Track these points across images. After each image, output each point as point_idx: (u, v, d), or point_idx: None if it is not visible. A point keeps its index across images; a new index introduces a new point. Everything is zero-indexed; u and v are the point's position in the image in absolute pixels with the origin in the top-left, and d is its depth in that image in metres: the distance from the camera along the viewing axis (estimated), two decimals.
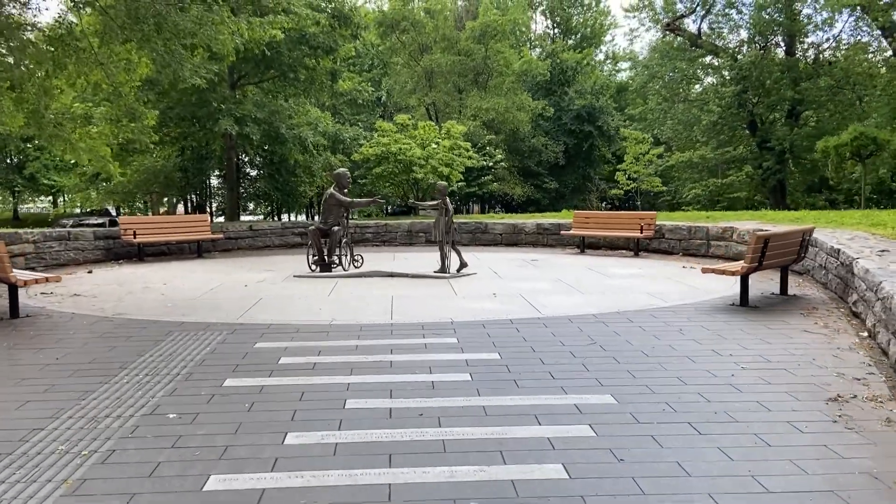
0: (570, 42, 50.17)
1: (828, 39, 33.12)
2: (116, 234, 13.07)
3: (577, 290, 8.63)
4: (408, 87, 37.90)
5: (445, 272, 10.33)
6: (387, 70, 37.44)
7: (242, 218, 38.21)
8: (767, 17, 31.94)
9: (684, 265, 11.36)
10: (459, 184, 21.11)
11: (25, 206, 52.52)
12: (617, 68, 58.20)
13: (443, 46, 35.51)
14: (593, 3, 52.20)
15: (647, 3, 35.90)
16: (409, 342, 5.75)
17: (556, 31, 51.76)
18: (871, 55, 30.86)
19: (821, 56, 33.62)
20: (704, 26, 35.50)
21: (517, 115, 33.66)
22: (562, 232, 14.75)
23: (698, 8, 35.16)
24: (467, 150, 20.42)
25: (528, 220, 16.99)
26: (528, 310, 7.26)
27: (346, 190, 11.15)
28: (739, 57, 33.33)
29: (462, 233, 17.02)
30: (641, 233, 13.32)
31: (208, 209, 30.17)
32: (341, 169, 11.18)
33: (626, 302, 7.70)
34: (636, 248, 13.68)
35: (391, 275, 10.40)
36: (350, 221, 11.51)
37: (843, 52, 31.79)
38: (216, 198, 28.10)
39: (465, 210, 41.98)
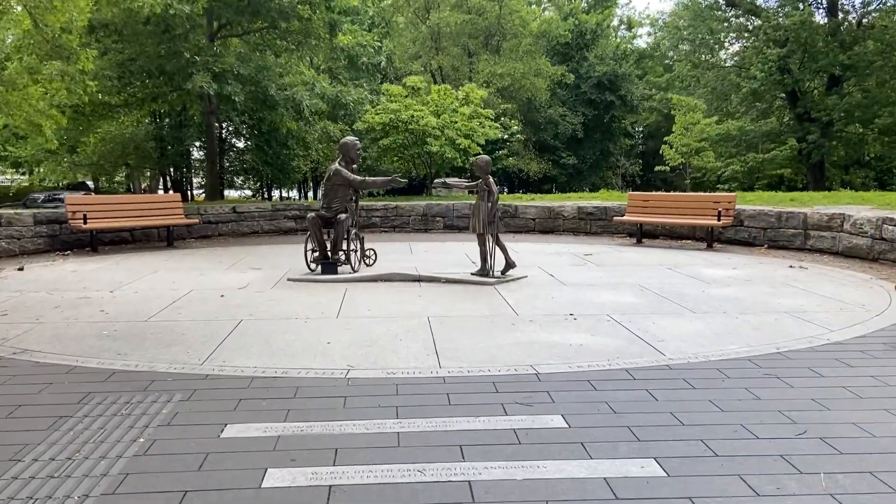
0: (583, 5, 47.27)
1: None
2: (63, 218, 10.74)
3: (684, 308, 6.38)
4: (411, 50, 35.26)
5: (488, 275, 8.07)
6: (389, 31, 34.71)
7: (227, 195, 35.74)
8: None
9: (792, 264, 9.09)
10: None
11: (2, 177, 49.78)
12: (633, 34, 55.31)
13: (452, 3, 32.82)
14: None
15: None
16: (485, 427, 3.51)
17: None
18: None
19: (864, 20, 31.04)
20: None
21: (535, 82, 31.15)
22: (615, 218, 12.46)
23: None
24: (488, 119, 18.02)
25: (567, 203, 14.69)
26: (640, 346, 5.02)
27: (354, 165, 8.84)
28: (780, 18, 30.77)
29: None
30: (719, 220, 11.04)
31: (189, 186, 27.66)
32: (349, 138, 8.83)
33: (770, 330, 5.46)
34: (710, 238, 11.42)
35: (418, 279, 8.13)
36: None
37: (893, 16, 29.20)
38: (199, 173, 25.61)
39: None
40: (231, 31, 15.61)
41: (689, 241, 12.30)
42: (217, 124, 24.10)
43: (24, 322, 5.83)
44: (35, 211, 10.38)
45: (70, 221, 10.48)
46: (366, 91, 16.51)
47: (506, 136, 19.28)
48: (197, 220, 12.21)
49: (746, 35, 33.38)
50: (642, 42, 52.33)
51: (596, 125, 38.98)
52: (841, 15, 31.26)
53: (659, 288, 7.42)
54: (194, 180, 28.34)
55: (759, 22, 32.24)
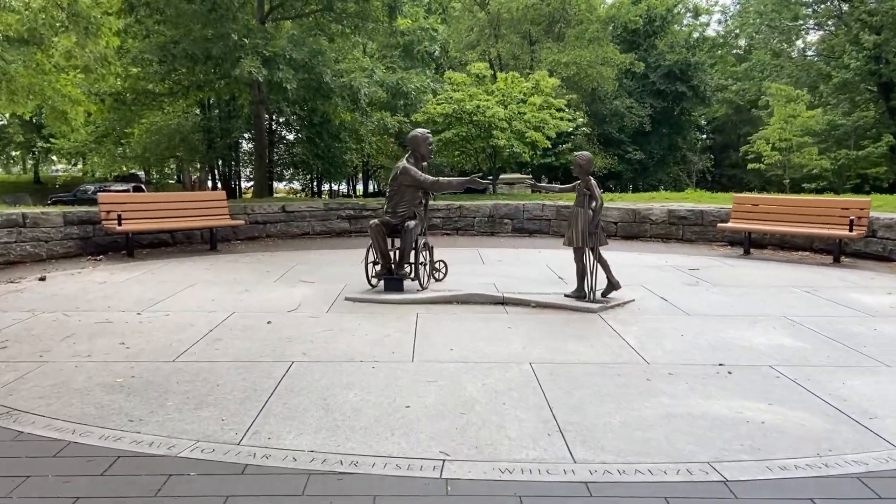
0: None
1: None
2: (97, 219, 9.78)
3: (868, 356, 4.90)
4: (468, 38, 33.86)
5: (588, 298, 6.68)
6: (446, 16, 33.37)
7: (276, 188, 35.09)
8: None
9: None
10: (538, 154, 17.22)
11: (55, 168, 50.48)
12: (702, 22, 52.56)
13: None
14: None
15: None
16: None
17: None
18: None
19: None
20: None
21: (601, 71, 29.37)
22: (719, 225, 10.86)
23: None
24: (560, 110, 16.54)
25: (654, 205, 13.13)
26: (849, 428, 3.60)
27: (425, 163, 7.55)
28: (874, 3, 28.28)
29: (562, 218, 13.35)
30: (851, 230, 9.36)
31: (237, 180, 26.91)
32: (420, 130, 7.54)
33: None
34: (837, 251, 9.74)
35: (501, 301, 6.81)
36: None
37: None
38: (247, 166, 24.76)
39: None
40: (283, 13, 14.51)
41: (807, 254, 10.64)
42: (266, 115, 23.27)
43: (24, 360, 4.73)
44: (65, 210, 9.44)
45: (103, 223, 9.51)
46: (428, 79, 15.26)
47: (570, 129, 17.77)
48: (243, 222, 11.15)
49: (831, 22, 30.95)
50: (710, 31, 49.66)
51: (664, 118, 36.88)
52: None
53: (815, 323, 5.90)
54: (242, 174, 27.64)
55: (847, 8, 29.84)
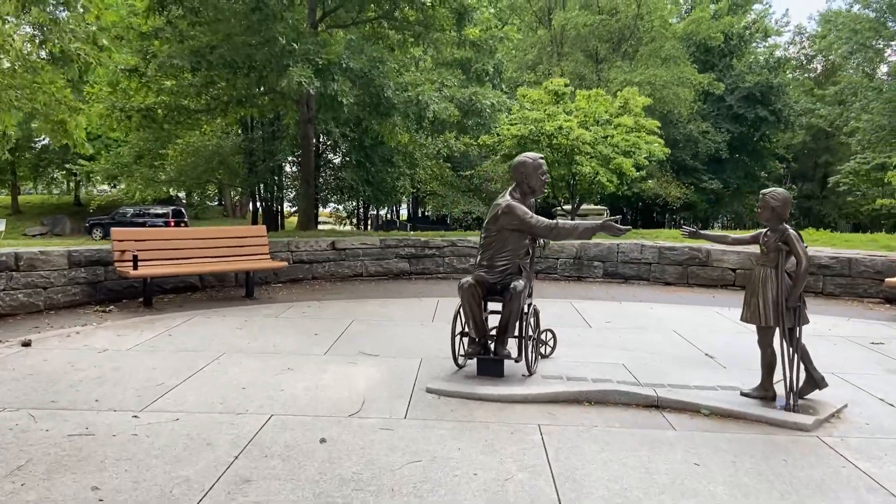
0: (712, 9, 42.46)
1: None
2: (108, 259, 8.13)
3: None
4: (528, 56, 32.16)
5: (789, 404, 4.65)
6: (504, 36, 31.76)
7: (320, 213, 33.69)
8: None
9: None
10: (624, 184, 15.15)
11: (99, 188, 50.23)
12: (769, 45, 49.96)
13: (580, 2, 29.56)
14: None
15: None
16: None
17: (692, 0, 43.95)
18: None
19: None
20: None
21: (678, 93, 27.25)
22: (887, 280, 8.66)
23: None
24: (651, 133, 14.56)
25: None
26: None
27: (533, 198, 5.67)
28: None
29: (666, 262, 11.31)
30: None
31: (280, 206, 25.45)
32: (529, 156, 5.64)
33: None
34: None
35: (655, 404, 4.83)
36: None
37: None
38: (291, 190, 23.32)
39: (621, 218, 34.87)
40: (337, 19, 12.93)
41: None
42: (314, 136, 21.84)
43: None
44: (70, 249, 7.81)
45: (116, 265, 7.85)
46: (504, 95, 13.46)
47: (664, 156, 15.73)
48: (285, 263, 9.41)
49: None
50: (779, 52, 46.89)
51: (741, 144, 34.40)
52: None
53: None
54: (286, 200, 26.28)
55: None
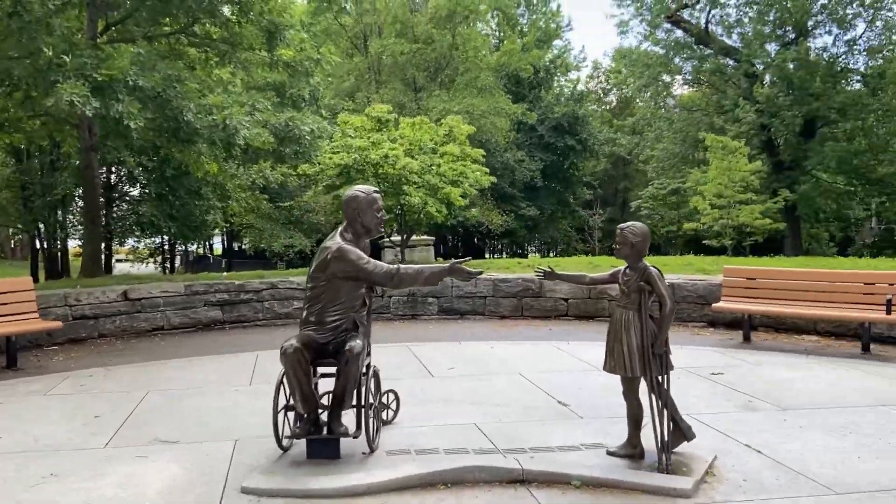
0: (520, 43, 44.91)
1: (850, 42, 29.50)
2: None
3: None
4: (347, 83, 31.56)
5: (661, 465, 4.23)
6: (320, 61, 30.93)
7: (116, 251, 30.27)
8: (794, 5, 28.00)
9: None
10: (452, 214, 14.88)
11: None
12: (570, 78, 53.77)
13: (396, 30, 29.54)
14: (541, 4, 47.31)
15: None
16: None
17: (502, 33, 46.11)
18: None
19: (838, 60, 29.97)
20: (711, 20, 31.45)
21: (495, 122, 28.01)
22: (714, 306, 8.91)
23: None
24: (476, 162, 14.45)
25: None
26: None
27: (367, 238, 4.86)
28: (758, 63, 29.32)
29: (500, 295, 11.01)
30: (889, 312, 7.66)
31: (64, 250, 22.21)
32: (361, 189, 4.80)
33: None
34: (868, 337, 8.04)
35: (521, 479, 4.19)
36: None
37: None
38: (76, 232, 20.27)
39: (442, 249, 34.75)
40: (125, 33, 11.32)
41: (816, 339, 8.91)
42: (104, 166, 19.36)
43: None
44: None
45: None
46: (325, 121, 12.56)
47: (489, 185, 15.74)
48: (58, 324, 7.75)
49: (717, 76, 31.88)
50: (580, 87, 50.54)
51: (553, 172, 36.30)
52: (818, 54, 30.17)
53: None
54: (72, 237, 23.05)
55: (732, 62, 30.88)
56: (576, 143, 35.64)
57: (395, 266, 4.57)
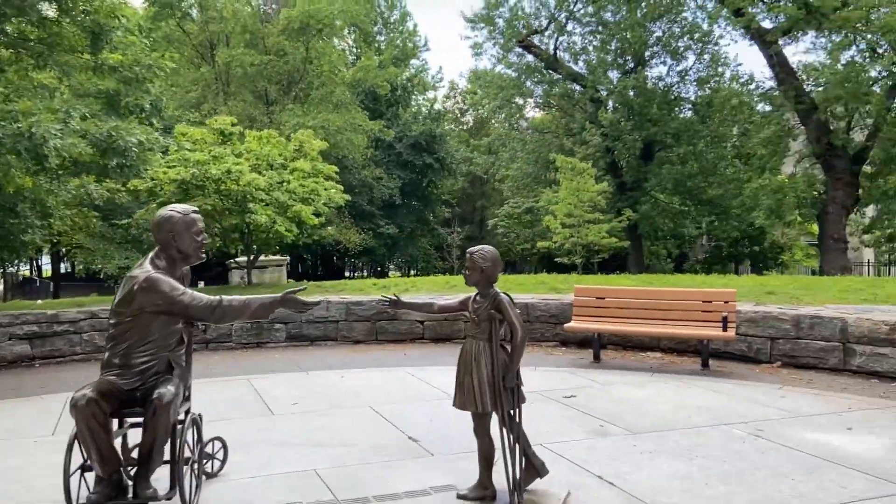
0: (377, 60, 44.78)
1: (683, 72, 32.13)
2: None
3: None
4: (193, 93, 29.82)
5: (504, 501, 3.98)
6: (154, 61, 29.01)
7: None
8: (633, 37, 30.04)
9: None
10: (304, 233, 14.23)
11: None
12: (428, 97, 54.54)
13: (245, 40, 28.34)
14: (398, 23, 47.83)
15: (492, 15, 32.44)
16: None
17: (359, 50, 45.81)
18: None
19: (672, 89, 32.54)
20: (559, 47, 32.99)
21: (352, 138, 27.54)
22: (566, 326, 8.95)
23: (551, 25, 32.63)
24: (330, 179, 13.93)
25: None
26: None
27: (187, 266, 4.27)
28: (602, 89, 31.09)
29: (353, 319, 10.55)
30: (725, 329, 8.03)
31: None
32: (176, 209, 4.19)
33: None
34: (707, 354, 8.39)
35: None
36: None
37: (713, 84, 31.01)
38: None
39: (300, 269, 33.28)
40: None
41: (659, 356, 9.23)
42: None
43: None
44: None
45: None
46: (156, 132, 11.49)
47: (343, 203, 15.19)
48: None
49: (566, 100, 33.47)
50: (437, 106, 51.32)
51: (412, 190, 36.40)
52: (655, 83, 32.50)
53: None
54: None
55: (579, 87, 32.54)
56: (434, 161, 35.96)
57: (217, 298, 4.00)
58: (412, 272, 46.70)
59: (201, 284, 20.91)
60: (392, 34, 47.45)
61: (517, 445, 4.09)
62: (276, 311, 4.22)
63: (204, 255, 4.27)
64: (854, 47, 24.40)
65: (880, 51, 23.54)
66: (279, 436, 5.57)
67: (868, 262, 38.56)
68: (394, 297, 4.43)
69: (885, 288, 10.03)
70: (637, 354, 9.33)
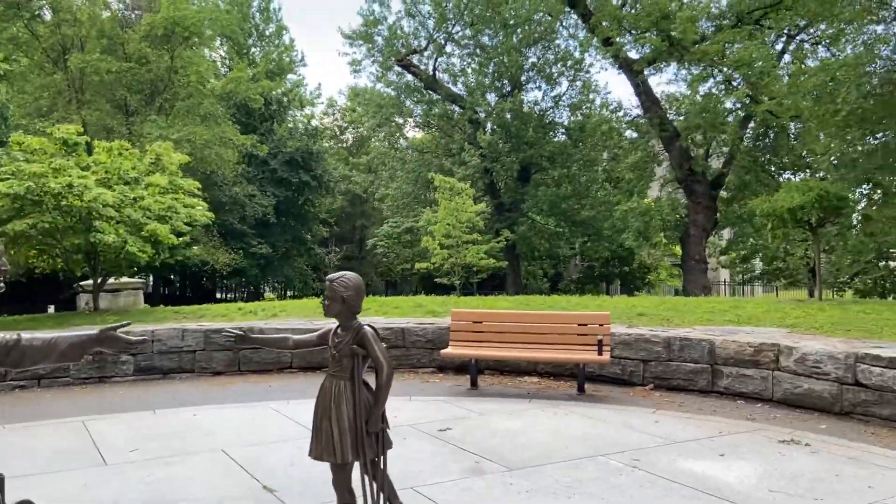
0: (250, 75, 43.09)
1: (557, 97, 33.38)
2: None
3: None
4: (43, 101, 27.37)
5: None
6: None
7: None
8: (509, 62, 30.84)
9: (784, 438, 6.23)
10: (161, 254, 13.15)
11: None
12: (305, 113, 53.34)
13: (102, 45, 26.39)
14: (274, 36, 46.61)
15: (371, 32, 32.24)
16: None
17: (231, 62, 43.85)
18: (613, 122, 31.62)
19: (547, 113, 33.69)
20: (438, 68, 33.27)
21: (221, 153, 26.22)
22: (443, 352, 8.62)
23: (430, 46, 32.88)
24: (194, 195, 12.98)
25: (318, 322, 10.37)
26: None
27: None
28: (480, 111, 31.62)
29: (213, 349, 9.74)
30: (600, 353, 8.00)
31: None
32: None
33: None
34: (583, 378, 8.33)
35: None
36: None
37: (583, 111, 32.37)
38: None
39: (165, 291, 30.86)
40: None
41: (537, 380, 9.11)
42: None
43: None
44: None
45: None
46: None
47: (209, 222, 14.18)
48: None
49: (445, 121, 33.73)
50: (315, 122, 50.25)
51: (288, 208, 35.25)
52: (531, 107, 33.44)
53: None
54: None
55: (458, 109, 32.91)
56: (311, 178, 35.05)
57: (14, 336, 3.28)
58: (289, 294, 45.18)
59: (51, 309, 18.96)
60: (268, 47, 46.07)
61: (381, 496, 3.65)
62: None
63: (3, 284, 3.54)
64: (712, 80, 26.20)
65: (735, 83, 25.38)
66: (109, 494, 4.81)
67: (725, 282, 41.48)
68: (240, 333, 3.87)
69: (746, 309, 10.48)
70: (515, 379, 9.15)
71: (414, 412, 7.15)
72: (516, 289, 30.48)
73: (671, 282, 40.40)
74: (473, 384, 8.61)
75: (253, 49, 44.99)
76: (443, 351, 8.63)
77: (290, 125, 36.77)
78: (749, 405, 7.53)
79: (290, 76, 46.17)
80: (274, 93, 35.95)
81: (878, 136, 17.87)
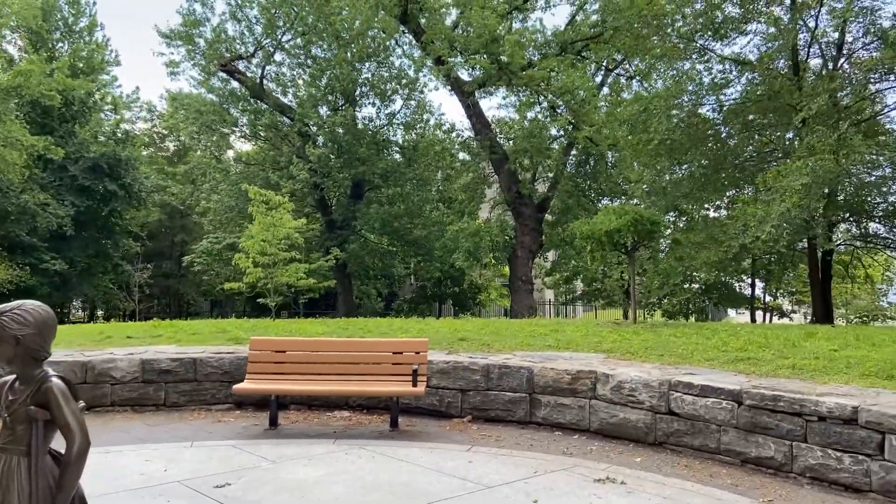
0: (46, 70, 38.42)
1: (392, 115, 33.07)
2: None
3: None
4: None
5: None
6: None
7: None
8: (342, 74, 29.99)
9: (599, 476, 5.81)
10: None
11: None
12: (118, 118, 48.79)
13: None
14: (85, 32, 42.34)
15: (191, 33, 30.05)
16: None
17: (30, 53, 38.79)
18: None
19: (381, 130, 33.28)
20: (267, 76, 31.66)
21: (6, 155, 22.87)
22: (235, 388, 7.50)
23: (259, 53, 31.26)
24: None
25: (117, 352, 8.91)
26: None
27: None
28: (311, 124, 30.43)
29: None
30: (414, 385, 7.34)
31: None
32: None
33: None
34: (396, 411, 7.60)
35: None
36: None
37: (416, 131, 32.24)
38: None
39: None
40: None
41: (347, 414, 8.27)
42: None
43: None
44: None
45: None
46: None
47: None
48: None
49: (273, 132, 32.10)
50: (128, 126, 46.11)
51: (90, 219, 31.68)
52: (365, 123, 32.75)
53: None
54: None
55: (287, 120, 31.45)
56: (118, 187, 31.80)
57: None
58: (99, 313, 40.84)
59: None
60: (77, 43, 41.67)
61: None
62: None
63: None
64: (538, 106, 27.02)
65: (559, 110, 26.33)
66: None
67: (550, 302, 43.14)
68: None
69: (566, 332, 10.33)
70: (323, 415, 8.24)
71: (191, 463, 6.03)
72: (348, 309, 29.47)
73: (501, 301, 41.22)
74: (273, 423, 7.58)
75: (59, 44, 40.48)
76: (235, 386, 7.52)
77: (97, 128, 33.21)
78: (566, 437, 7.18)
79: (103, 76, 42.06)
80: (78, 92, 32.32)
81: (685, 166, 19.08)
